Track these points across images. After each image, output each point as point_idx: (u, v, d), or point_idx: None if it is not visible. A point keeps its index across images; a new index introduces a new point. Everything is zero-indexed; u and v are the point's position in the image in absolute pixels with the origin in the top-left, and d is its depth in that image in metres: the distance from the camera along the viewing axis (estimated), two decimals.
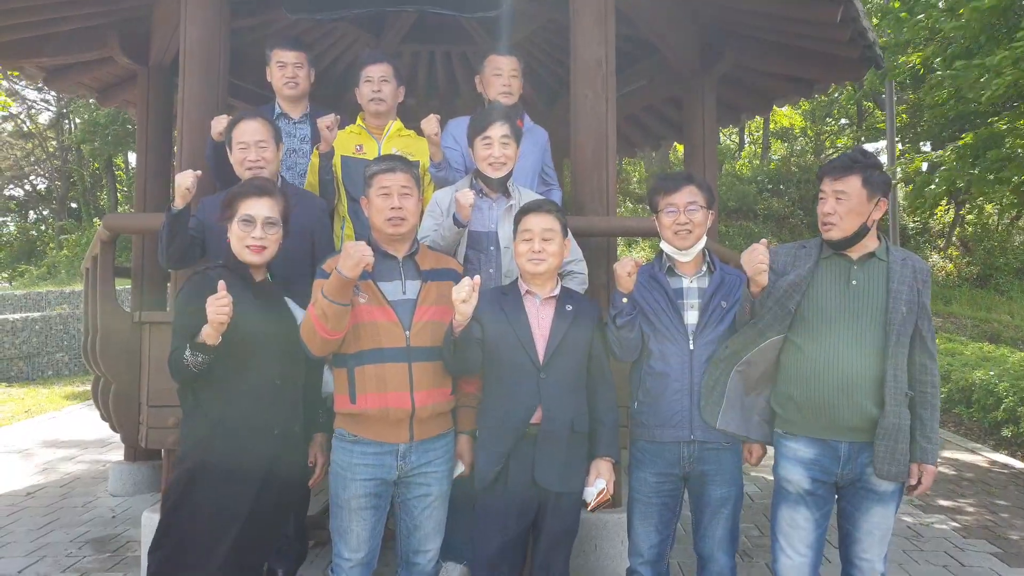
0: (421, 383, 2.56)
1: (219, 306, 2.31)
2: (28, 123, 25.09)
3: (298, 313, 2.67)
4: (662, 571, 2.79)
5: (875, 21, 9.56)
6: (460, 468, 2.73)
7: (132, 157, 25.10)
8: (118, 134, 21.50)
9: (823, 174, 2.62)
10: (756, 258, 2.51)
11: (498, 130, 3.04)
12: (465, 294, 2.44)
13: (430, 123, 3.30)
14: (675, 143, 8.29)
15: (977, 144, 7.81)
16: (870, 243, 2.60)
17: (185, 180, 2.95)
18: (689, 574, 3.70)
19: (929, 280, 2.60)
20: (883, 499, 2.56)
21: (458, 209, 2.97)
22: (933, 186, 8.44)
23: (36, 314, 12.46)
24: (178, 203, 2.97)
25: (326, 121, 3.43)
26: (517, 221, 2.75)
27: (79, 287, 13.78)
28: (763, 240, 2.58)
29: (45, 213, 27.44)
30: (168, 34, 4.80)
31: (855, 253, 2.59)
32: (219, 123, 3.43)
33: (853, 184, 2.53)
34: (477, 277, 2.49)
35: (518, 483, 2.60)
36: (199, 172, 3.02)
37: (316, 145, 3.52)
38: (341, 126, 3.64)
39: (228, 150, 3.19)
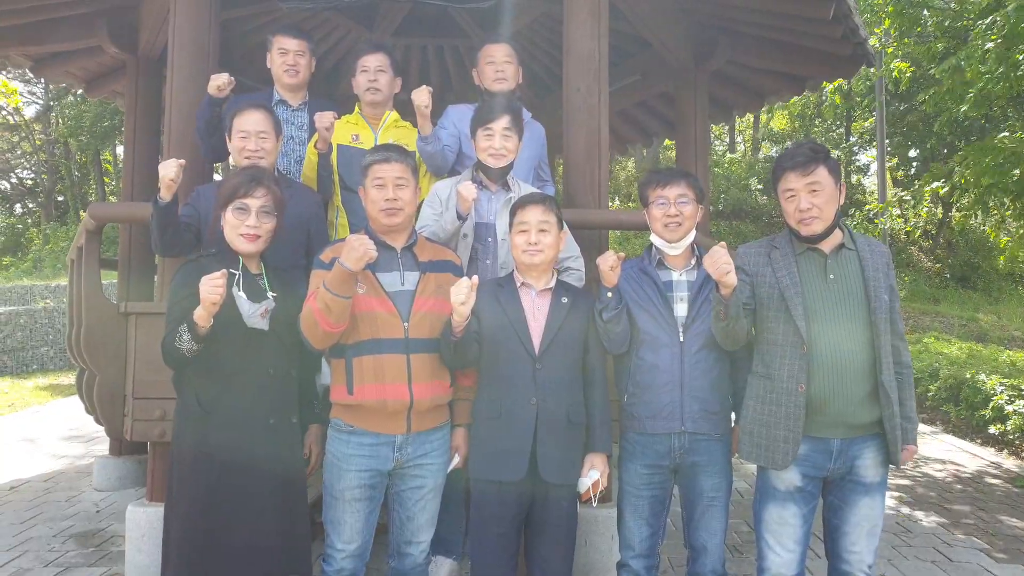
0: (419, 375, 2.53)
1: (212, 286, 2.28)
2: (14, 115, 24.81)
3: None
4: (653, 564, 2.77)
5: (866, 17, 9.50)
6: (455, 460, 2.71)
7: (120, 151, 24.89)
8: (104, 129, 21.30)
9: (785, 170, 2.56)
10: (719, 261, 2.42)
11: (501, 122, 3.05)
12: (464, 296, 2.43)
13: (420, 94, 3.30)
14: (667, 140, 8.29)
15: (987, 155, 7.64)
16: (837, 234, 2.59)
17: (168, 171, 2.84)
18: (678, 568, 3.70)
19: (892, 263, 2.60)
20: (870, 490, 2.55)
21: (459, 201, 2.97)
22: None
23: (21, 308, 12.33)
24: (164, 194, 2.87)
25: (324, 122, 3.38)
26: (513, 213, 2.74)
27: (64, 281, 13.64)
28: (720, 243, 2.51)
29: (31, 207, 27.18)
30: (157, 24, 4.74)
31: (827, 246, 2.58)
32: (219, 78, 3.37)
33: (823, 174, 2.52)
34: (475, 277, 2.48)
35: (515, 475, 2.58)
36: (183, 161, 2.93)
37: (314, 141, 3.48)
38: (337, 117, 3.61)
39: (227, 137, 3.14)
